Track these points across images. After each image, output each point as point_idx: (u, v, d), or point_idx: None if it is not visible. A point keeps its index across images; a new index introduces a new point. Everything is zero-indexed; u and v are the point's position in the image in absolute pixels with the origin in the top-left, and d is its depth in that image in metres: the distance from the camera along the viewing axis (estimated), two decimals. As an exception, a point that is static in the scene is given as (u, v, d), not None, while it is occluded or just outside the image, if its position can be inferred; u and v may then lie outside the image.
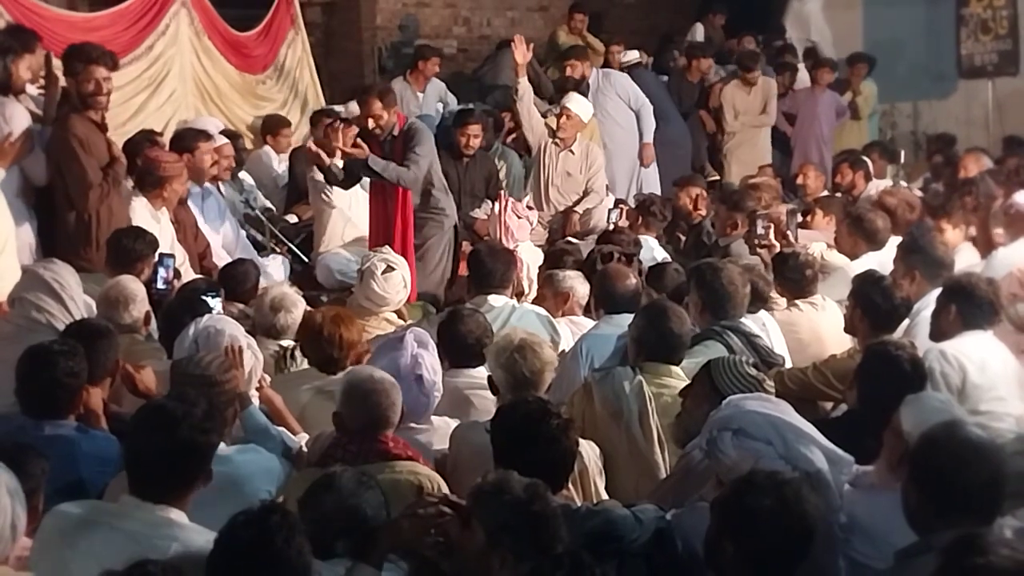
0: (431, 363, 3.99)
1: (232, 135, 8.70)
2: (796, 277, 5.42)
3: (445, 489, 3.42)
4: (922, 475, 2.80)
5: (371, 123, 6.62)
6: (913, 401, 3.31)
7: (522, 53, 8.10)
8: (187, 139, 7.17)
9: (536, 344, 3.97)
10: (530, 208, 7.64)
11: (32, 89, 6.25)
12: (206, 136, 7.33)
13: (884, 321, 4.70)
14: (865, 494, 3.23)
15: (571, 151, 8.33)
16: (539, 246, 7.43)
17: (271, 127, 9.42)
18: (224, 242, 7.20)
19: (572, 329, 5.25)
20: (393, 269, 5.54)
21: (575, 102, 8.33)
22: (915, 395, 3.39)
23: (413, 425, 3.96)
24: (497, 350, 3.99)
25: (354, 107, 9.17)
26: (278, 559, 2.54)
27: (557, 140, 8.29)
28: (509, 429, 3.27)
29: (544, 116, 8.52)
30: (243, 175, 8.65)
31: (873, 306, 4.72)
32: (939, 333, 4.62)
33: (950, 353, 4.45)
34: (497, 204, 7.16)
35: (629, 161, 9.44)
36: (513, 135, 8.97)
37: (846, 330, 4.98)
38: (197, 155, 7.05)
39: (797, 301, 5.41)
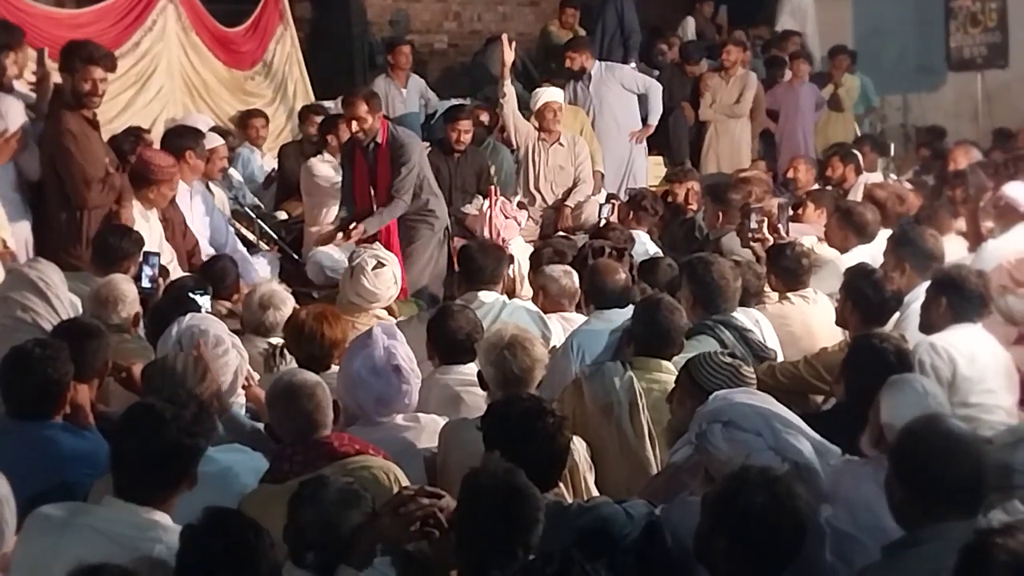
0: (404, 352, 3.97)
1: (223, 132, 8.67)
2: (793, 267, 5.41)
3: (403, 478, 3.39)
4: (904, 470, 2.79)
5: (355, 126, 6.60)
6: (893, 386, 3.31)
7: (508, 55, 8.12)
8: (186, 137, 7.13)
9: (527, 340, 3.95)
10: (521, 207, 7.63)
11: (23, 85, 6.22)
12: (201, 135, 7.31)
13: (875, 314, 4.70)
14: (850, 464, 3.25)
15: (560, 143, 8.37)
16: (530, 241, 7.43)
17: (241, 121, 9.43)
18: (213, 240, 7.16)
19: (563, 325, 5.23)
20: (383, 265, 5.51)
21: (551, 95, 8.41)
22: (897, 378, 3.39)
23: (400, 422, 3.95)
24: (487, 346, 3.96)
25: (345, 105, 9.16)
26: (254, 556, 2.51)
27: (543, 136, 8.31)
28: (504, 427, 3.23)
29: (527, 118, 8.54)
30: (232, 172, 8.63)
31: (864, 299, 4.72)
32: (929, 325, 4.61)
33: (940, 346, 4.44)
34: (487, 201, 7.14)
35: (621, 155, 9.43)
36: (506, 131, 8.97)
37: (838, 323, 4.97)
38: (199, 153, 7.03)
39: (789, 294, 5.40)
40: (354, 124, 6.60)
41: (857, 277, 4.81)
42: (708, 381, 3.63)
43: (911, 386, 3.36)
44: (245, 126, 9.38)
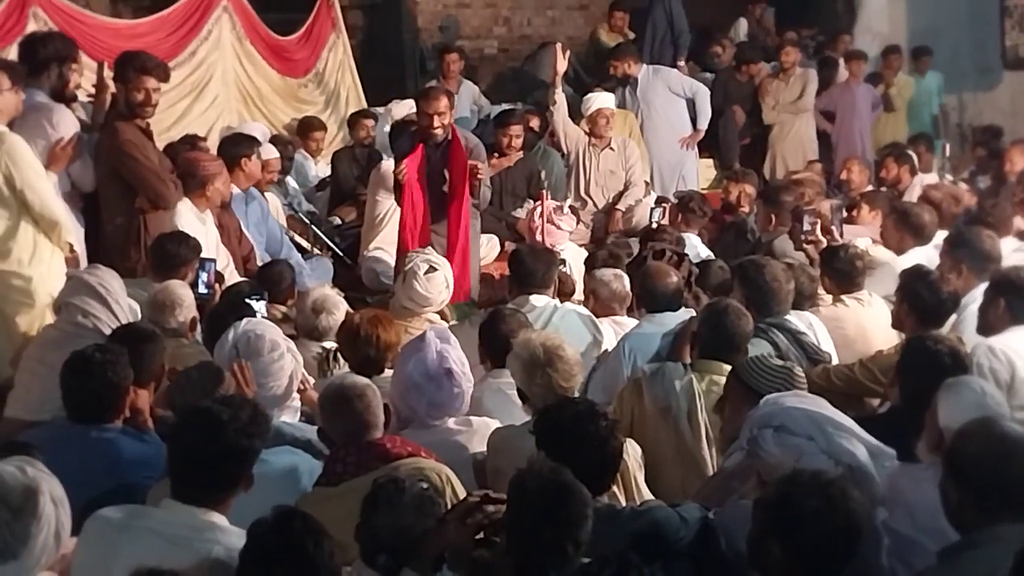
0: (457, 356, 4.00)
1: (284, 141, 8.77)
2: (847, 269, 5.36)
3: (455, 480, 3.41)
4: (960, 472, 2.77)
5: (436, 120, 6.54)
6: (950, 388, 3.28)
7: (561, 63, 8.14)
8: (241, 145, 7.20)
9: (559, 348, 3.91)
10: (572, 211, 7.62)
11: (81, 96, 6.31)
12: (257, 143, 7.38)
13: (931, 316, 4.65)
14: (908, 468, 3.23)
15: (611, 148, 8.39)
16: (582, 246, 7.42)
17: (303, 130, 9.52)
18: (269, 246, 7.23)
19: (615, 329, 5.23)
20: (435, 270, 5.54)
21: (602, 100, 8.41)
22: (954, 380, 3.35)
23: (452, 426, 3.97)
24: (525, 367, 3.89)
25: (398, 110, 9.22)
26: (312, 564, 2.54)
27: (594, 141, 8.32)
28: (556, 431, 3.23)
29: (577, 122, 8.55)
30: (288, 180, 8.71)
31: (920, 301, 4.67)
32: (987, 327, 4.56)
33: (998, 348, 4.39)
34: (534, 205, 7.14)
35: (673, 158, 9.41)
36: (556, 136, 9.00)
37: (893, 326, 4.93)
38: (254, 160, 7.10)
39: (843, 297, 5.36)
40: (436, 119, 6.56)
41: (913, 278, 4.77)
42: (761, 384, 3.61)
43: (969, 388, 3.32)
44: (305, 136, 9.48)
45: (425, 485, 3.02)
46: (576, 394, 3.95)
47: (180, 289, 5.07)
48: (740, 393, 3.68)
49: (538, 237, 6.88)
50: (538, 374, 3.86)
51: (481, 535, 2.95)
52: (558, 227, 6.99)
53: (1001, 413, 3.17)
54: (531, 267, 5.37)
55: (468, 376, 4.03)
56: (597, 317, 5.30)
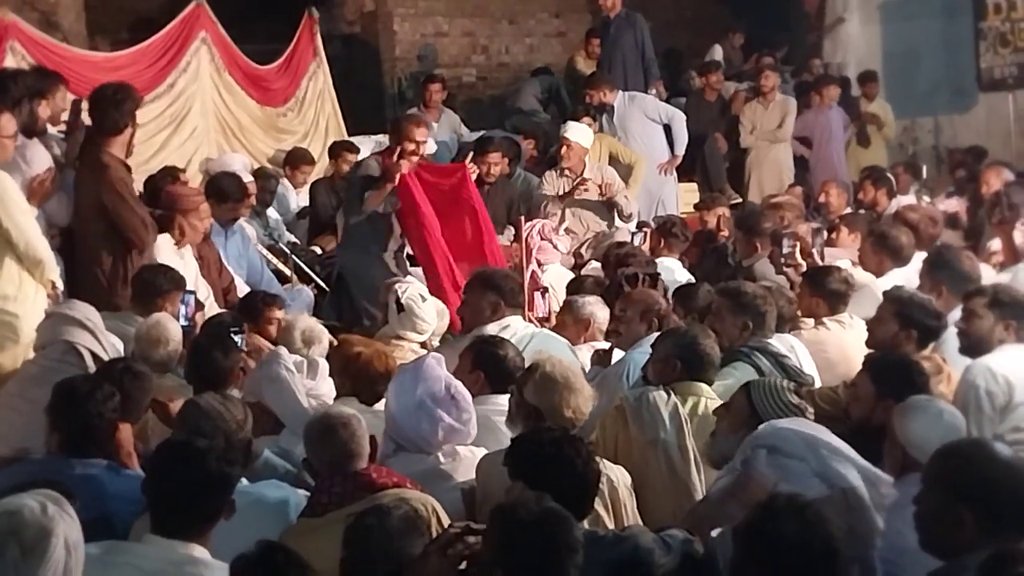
0: (456, 382, 4.01)
1: (268, 175, 8.75)
2: (843, 290, 5.37)
3: (440, 511, 3.40)
4: (954, 495, 2.74)
5: (410, 147, 6.57)
6: (911, 408, 3.35)
7: None
8: (226, 179, 7.19)
9: (585, 388, 3.96)
10: (569, 232, 7.63)
11: (54, 132, 6.28)
12: (244, 190, 7.35)
13: (932, 336, 4.72)
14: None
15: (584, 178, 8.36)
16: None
17: (293, 161, 9.49)
18: (249, 277, 7.21)
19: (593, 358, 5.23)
20: (425, 299, 5.57)
21: (573, 131, 8.37)
22: (913, 400, 3.43)
23: (439, 455, 3.94)
24: (545, 380, 3.91)
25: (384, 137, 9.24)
26: None
27: (565, 171, 8.30)
28: (530, 459, 3.22)
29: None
30: (269, 212, 8.69)
31: (919, 324, 4.70)
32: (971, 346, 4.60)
33: (998, 371, 4.40)
34: (524, 227, 7.15)
35: (650, 185, 9.43)
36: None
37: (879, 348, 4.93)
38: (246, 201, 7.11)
39: (825, 320, 5.37)
40: (420, 147, 6.57)
41: (906, 305, 4.76)
42: (767, 413, 3.59)
43: (932, 407, 3.40)
44: (295, 168, 9.47)
45: (410, 508, 3.02)
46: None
47: (170, 324, 5.07)
48: (744, 415, 3.66)
49: (530, 258, 6.90)
50: (556, 387, 3.87)
51: (463, 566, 2.94)
52: (554, 245, 7.02)
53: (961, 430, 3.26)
54: (499, 283, 5.35)
55: (470, 399, 4.01)
56: (575, 343, 5.31)
